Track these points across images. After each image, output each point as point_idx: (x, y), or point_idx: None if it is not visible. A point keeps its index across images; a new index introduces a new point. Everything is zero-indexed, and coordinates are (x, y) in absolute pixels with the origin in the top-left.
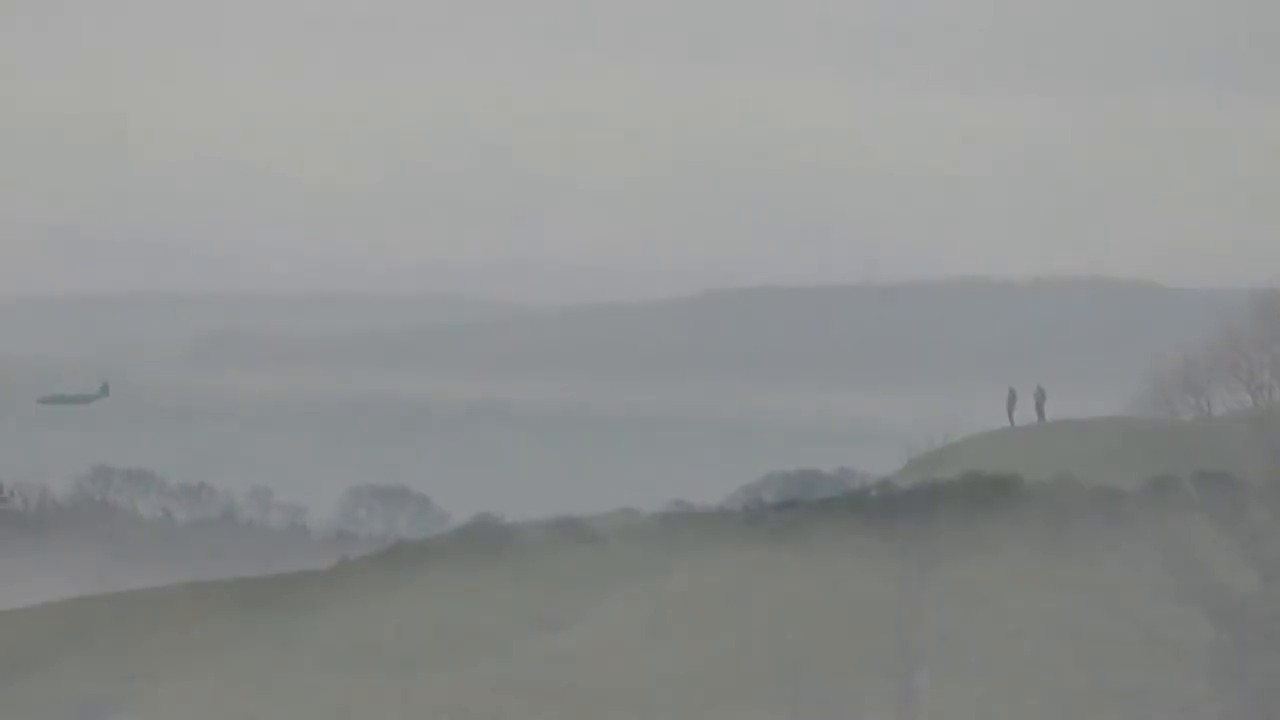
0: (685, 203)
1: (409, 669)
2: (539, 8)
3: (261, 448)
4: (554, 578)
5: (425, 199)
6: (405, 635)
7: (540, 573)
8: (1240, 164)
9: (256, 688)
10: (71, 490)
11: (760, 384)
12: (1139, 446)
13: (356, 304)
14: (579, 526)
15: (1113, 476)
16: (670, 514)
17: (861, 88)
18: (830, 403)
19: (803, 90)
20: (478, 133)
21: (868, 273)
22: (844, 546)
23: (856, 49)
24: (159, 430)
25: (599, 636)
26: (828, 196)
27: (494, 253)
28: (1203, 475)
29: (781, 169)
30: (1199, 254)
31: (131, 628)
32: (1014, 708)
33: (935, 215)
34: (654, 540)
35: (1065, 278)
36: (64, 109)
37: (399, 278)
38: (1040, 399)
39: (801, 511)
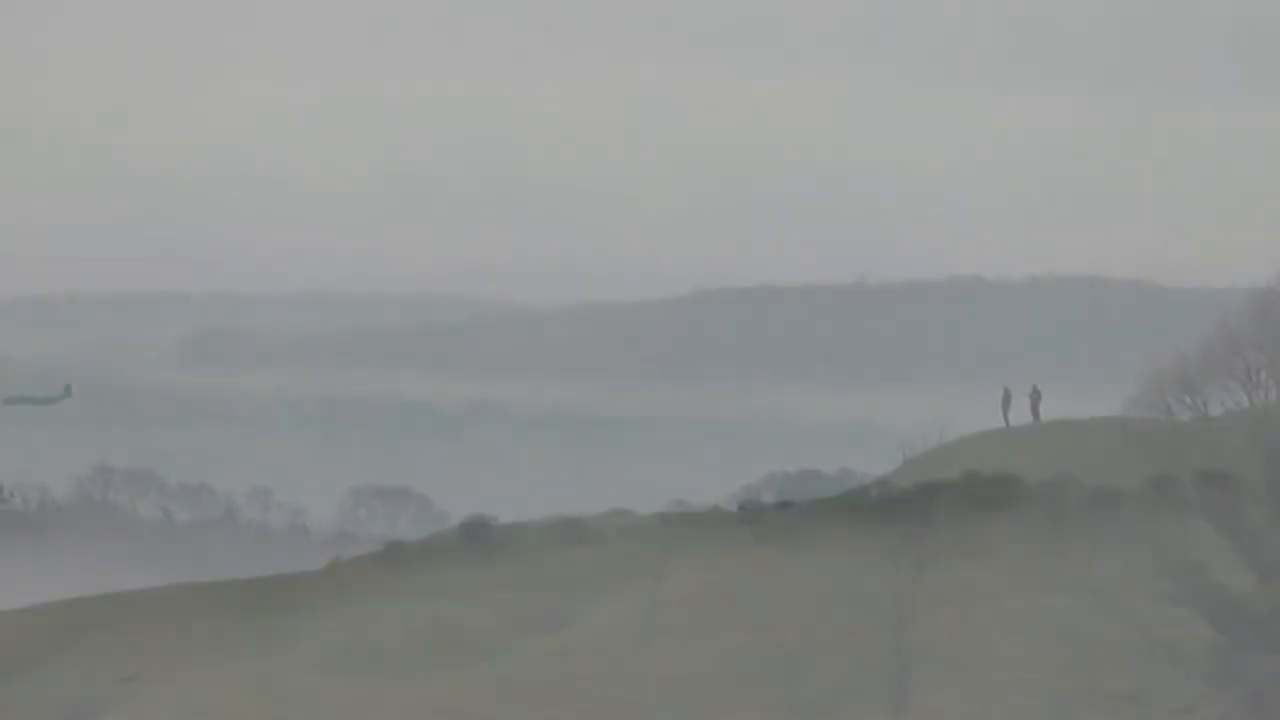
0: (681, 202)
1: (403, 670)
2: (534, 7)
3: (255, 447)
4: (549, 578)
5: (420, 198)
6: (399, 636)
7: (535, 573)
8: (1238, 163)
9: (248, 689)
10: (72, 490)
11: (756, 384)
12: (1135, 447)
13: (351, 303)
14: (574, 527)
15: (1109, 477)
16: (666, 514)
17: (857, 87)
18: (825, 402)
19: (798, 89)
20: (473, 132)
21: (863, 272)
22: (840, 547)
23: (853, 48)
24: (151, 429)
25: (594, 638)
26: (823, 196)
27: (489, 252)
28: (1200, 476)
29: (777, 168)
30: (1196, 253)
31: (122, 629)
32: (1011, 709)
33: (931, 214)
34: (650, 541)
35: (1061, 277)
36: (59, 108)
37: (393, 277)
38: (1035, 399)
39: (797, 511)
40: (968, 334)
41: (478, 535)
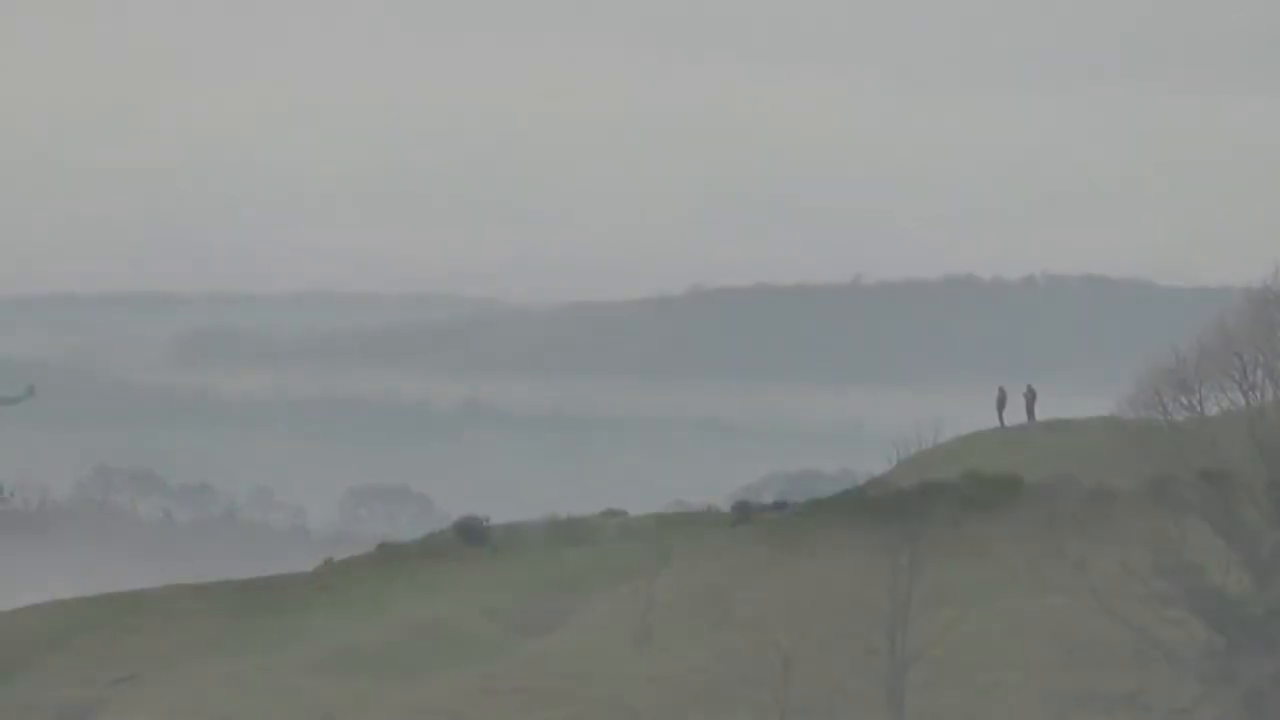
0: (676, 201)
1: (396, 671)
2: (529, 6)
3: (250, 447)
4: (543, 579)
5: (415, 198)
6: (390, 637)
7: (529, 574)
8: (1234, 162)
9: (242, 690)
10: (72, 491)
11: (751, 383)
12: (1130, 446)
13: (343, 303)
14: (566, 527)
15: (1105, 477)
16: (659, 514)
17: (852, 86)
18: (821, 402)
19: (793, 88)
20: (467, 131)
21: (859, 272)
22: (835, 547)
23: (849, 48)
24: (145, 429)
25: (588, 638)
26: (818, 195)
27: (483, 251)
28: (1196, 476)
29: (773, 167)
30: (1192, 252)
31: (116, 630)
32: (1008, 709)
33: (927, 213)
34: (642, 541)
35: (1057, 276)
36: (52, 107)
37: (386, 277)
38: (1030, 398)
39: (792, 512)
40: (963, 333)
41: (471, 535)
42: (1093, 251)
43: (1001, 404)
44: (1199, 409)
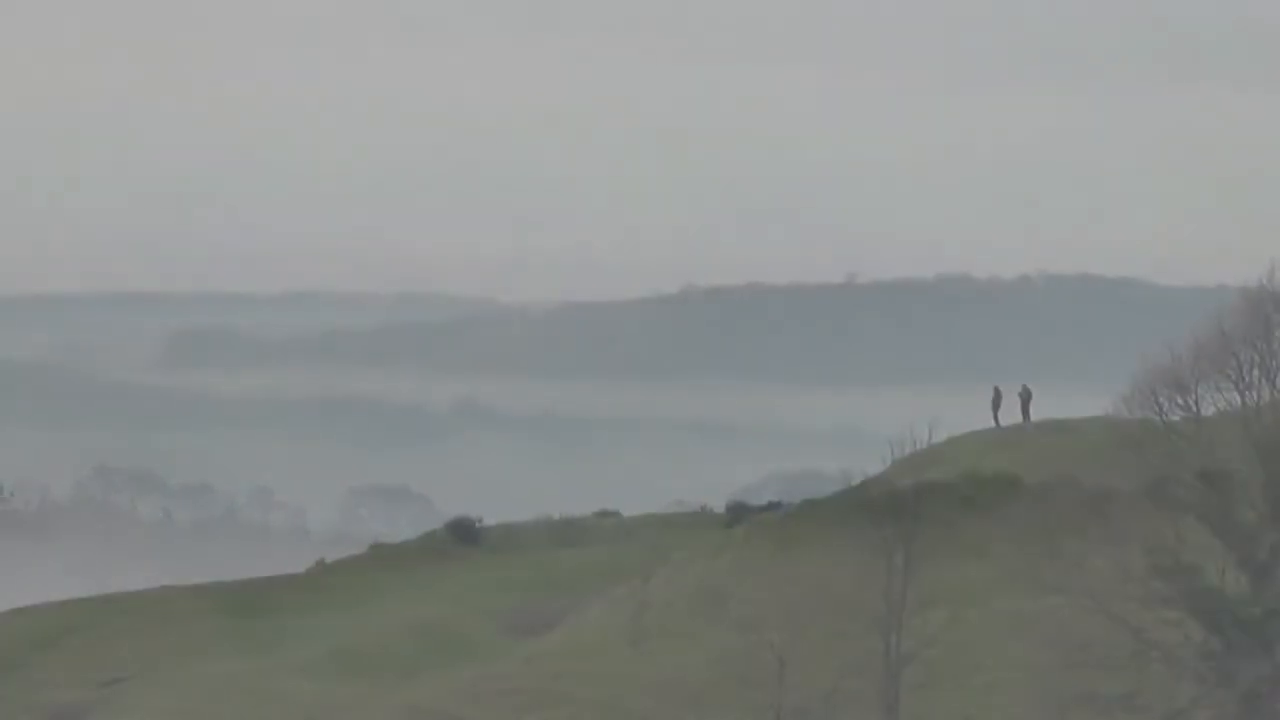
0: (669, 200)
1: (388, 673)
2: (523, 6)
3: (243, 447)
4: (536, 580)
5: (408, 197)
6: (384, 639)
7: (522, 575)
8: (1229, 161)
9: (234, 692)
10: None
11: (744, 383)
12: (1126, 446)
13: (338, 302)
14: (560, 528)
15: (1100, 477)
16: (654, 515)
17: (846, 85)
18: (814, 402)
19: (788, 87)
20: (461, 130)
21: (852, 271)
22: (829, 547)
23: (843, 47)
24: (136, 430)
25: (582, 639)
26: (813, 194)
27: (477, 251)
28: (1192, 476)
29: (766, 166)
30: (1187, 251)
31: (106, 631)
32: (1003, 711)
33: (921, 212)
34: (637, 542)
35: (1052, 275)
36: (46, 107)
37: (380, 276)
38: (1026, 398)
39: (786, 512)
40: (958, 333)
41: (465, 536)
42: (1088, 250)
43: (997, 404)
44: (1195, 409)
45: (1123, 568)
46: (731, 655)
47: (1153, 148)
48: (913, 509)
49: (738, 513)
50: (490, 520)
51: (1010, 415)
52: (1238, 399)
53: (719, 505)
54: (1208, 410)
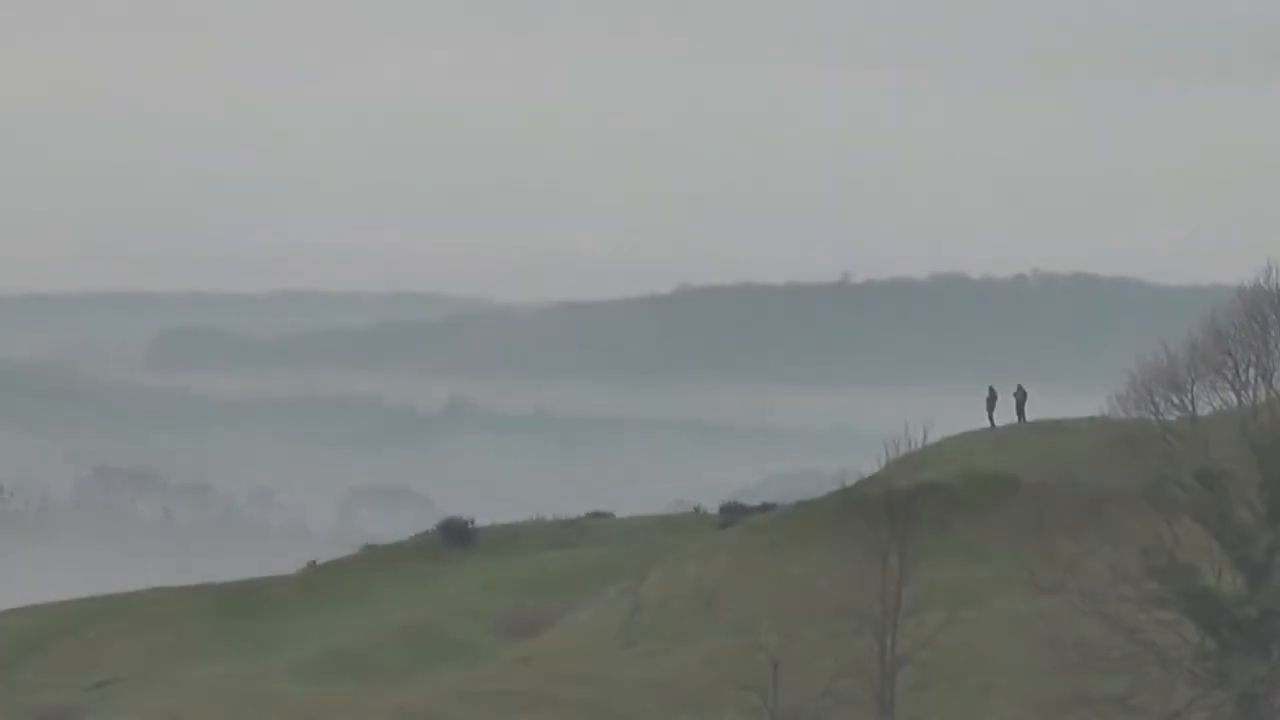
0: (663, 199)
1: (379, 674)
2: (516, 6)
3: (235, 448)
4: (529, 581)
5: (400, 196)
6: (375, 640)
7: (514, 576)
8: (1226, 161)
9: (222, 694)
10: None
11: (739, 382)
12: (1121, 447)
13: (328, 303)
14: (553, 529)
15: (1095, 477)
16: (647, 516)
17: (841, 85)
18: (809, 402)
19: (782, 88)
20: (453, 130)
21: (847, 270)
22: (823, 548)
23: (839, 47)
24: (129, 430)
25: (575, 641)
26: (807, 193)
27: (471, 250)
28: (1188, 476)
29: (761, 165)
30: (1183, 250)
31: (96, 633)
32: (997, 713)
33: (915, 211)
34: (630, 543)
35: (1048, 274)
36: (35, 106)
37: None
38: (1021, 398)
39: (779, 513)
40: (953, 332)
41: (456, 537)
42: (1084, 250)
43: (992, 404)
44: (1191, 409)
45: (1119, 568)
46: (725, 656)
47: (1148, 148)
48: (908, 510)
49: (732, 514)
50: (483, 521)
51: (1005, 415)
52: (1234, 399)
53: (715, 506)
54: (1204, 410)
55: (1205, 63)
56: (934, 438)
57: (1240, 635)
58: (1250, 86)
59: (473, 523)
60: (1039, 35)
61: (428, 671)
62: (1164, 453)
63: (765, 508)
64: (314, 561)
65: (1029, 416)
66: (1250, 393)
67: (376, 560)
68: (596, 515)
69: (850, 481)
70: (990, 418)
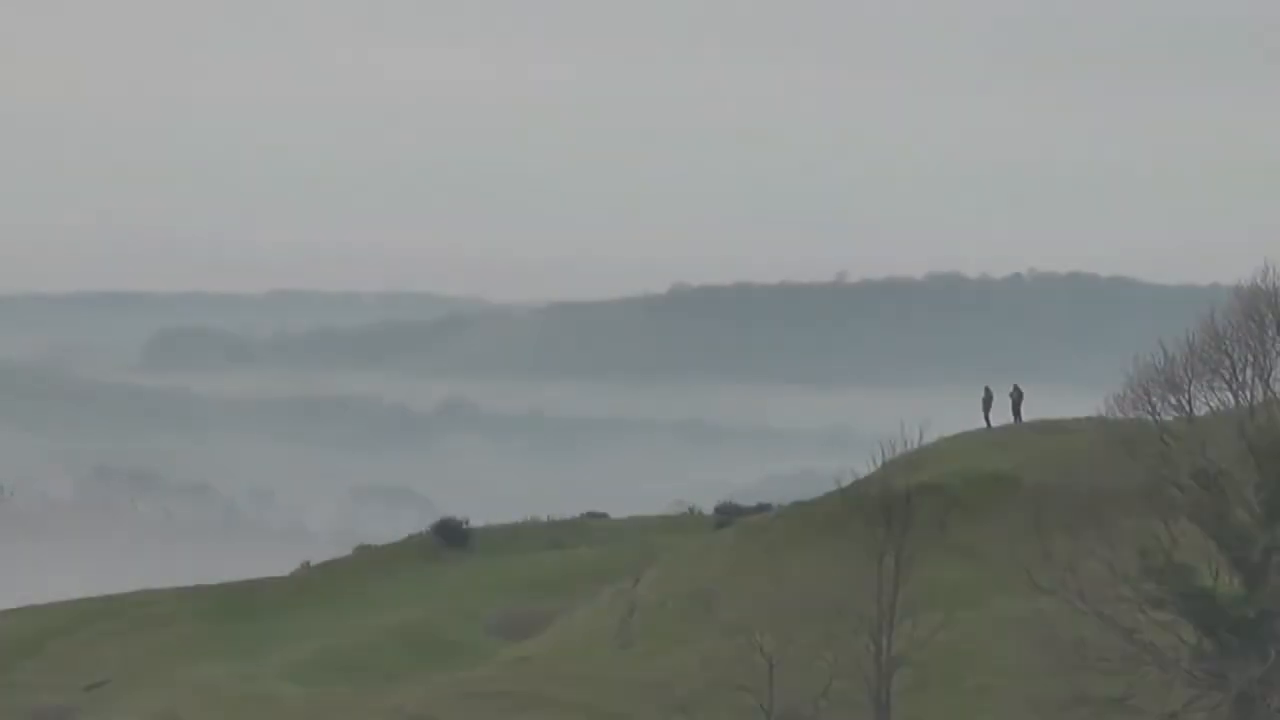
0: (658, 199)
1: (373, 675)
2: (513, 8)
3: (231, 448)
4: (523, 582)
5: (395, 196)
6: (369, 641)
7: (509, 577)
8: (1221, 160)
9: (216, 696)
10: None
11: (734, 383)
12: (1118, 447)
13: (323, 303)
14: (547, 530)
15: (1092, 477)
16: (642, 517)
17: (837, 85)
18: (804, 402)
19: (777, 88)
20: (448, 131)
21: (842, 270)
22: (818, 549)
23: (835, 47)
24: (122, 431)
25: (570, 642)
26: (802, 192)
27: (465, 250)
28: (1185, 476)
29: (756, 165)
30: (1180, 250)
31: (90, 634)
32: (994, 714)
33: (911, 211)
34: (625, 544)
35: (1044, 274)
36: (32, 107)
37: (366, 275)
38: (1017, 398)
39: (775, 514)
40: (949, 332)
41: (451, 537)
42: (1080, 249)
43: (988, 404)
44: (1188, 409)
45: (1116, 569)
46: (721, 658)
47: (1145, 148)
48: (905, 510)
49: (728, 514)
50: (477, 522)
51: (1002, 415)
52: (1231, 399)
53: (711, 507)
54: (1201, 410)
55: (1204, 63)
56: (931, 438)
57: (1238, 636)
58: (1249, 86)
59: (467, 523)
60: (1036, 36)
61: (424, 672)
62: (1161, 453)
63: (762, 508)
64: (308, 562)
65: (1025, 416)
66: (1248, 393)
67: (372, 561)
68: (593, 515)
69: (847, 482)
70: (986, 418)
